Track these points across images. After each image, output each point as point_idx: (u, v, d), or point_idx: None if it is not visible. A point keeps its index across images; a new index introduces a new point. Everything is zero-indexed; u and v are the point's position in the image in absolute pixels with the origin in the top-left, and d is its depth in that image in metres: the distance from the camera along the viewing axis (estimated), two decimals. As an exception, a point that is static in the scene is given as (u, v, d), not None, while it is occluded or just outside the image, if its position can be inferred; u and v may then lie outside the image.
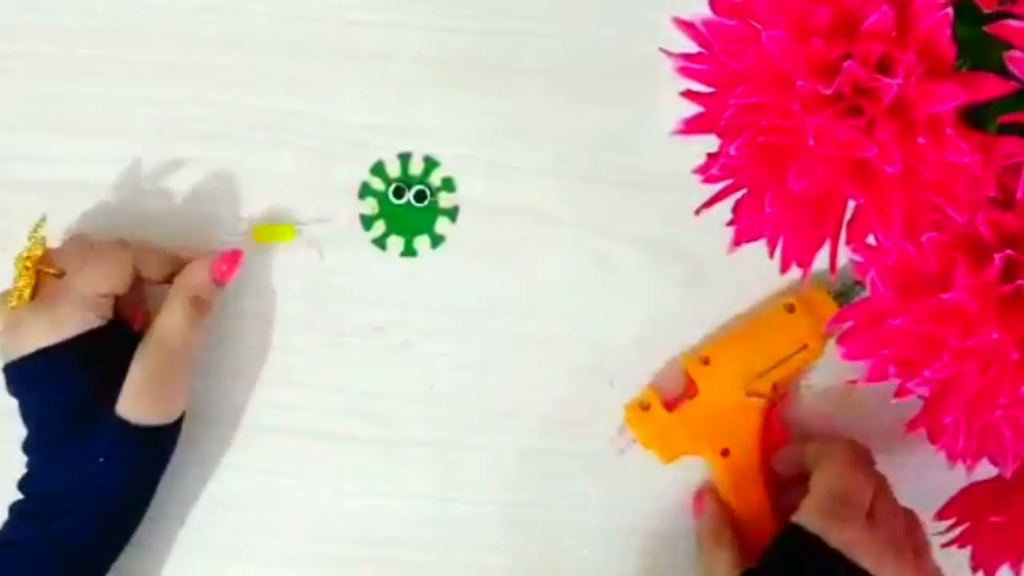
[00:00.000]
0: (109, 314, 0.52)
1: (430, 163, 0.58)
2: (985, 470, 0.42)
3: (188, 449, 0.55)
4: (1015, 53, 0.34)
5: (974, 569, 0.46)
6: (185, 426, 0.54)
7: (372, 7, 0.58)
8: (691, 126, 0.41)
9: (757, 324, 0.55)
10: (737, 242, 0.43)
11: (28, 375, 0.51)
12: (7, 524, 0.51)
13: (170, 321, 0.52)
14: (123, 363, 0.51)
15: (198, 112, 0.58)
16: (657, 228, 0.57)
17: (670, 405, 0.54)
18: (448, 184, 0.58)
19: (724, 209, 0.43)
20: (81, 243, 0.53)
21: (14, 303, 0.50)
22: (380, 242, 0.58)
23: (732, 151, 0.39)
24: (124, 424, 0.51)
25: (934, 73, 0.35)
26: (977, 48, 0.36)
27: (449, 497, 0.56)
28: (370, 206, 0.58)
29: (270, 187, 0.58)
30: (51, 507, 0.51)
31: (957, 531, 0.46)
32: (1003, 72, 0.34)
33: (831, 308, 0.54)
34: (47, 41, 0.59)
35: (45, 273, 0.51)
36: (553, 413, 0.57)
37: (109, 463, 0.51)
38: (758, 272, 0.53)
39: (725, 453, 0.53)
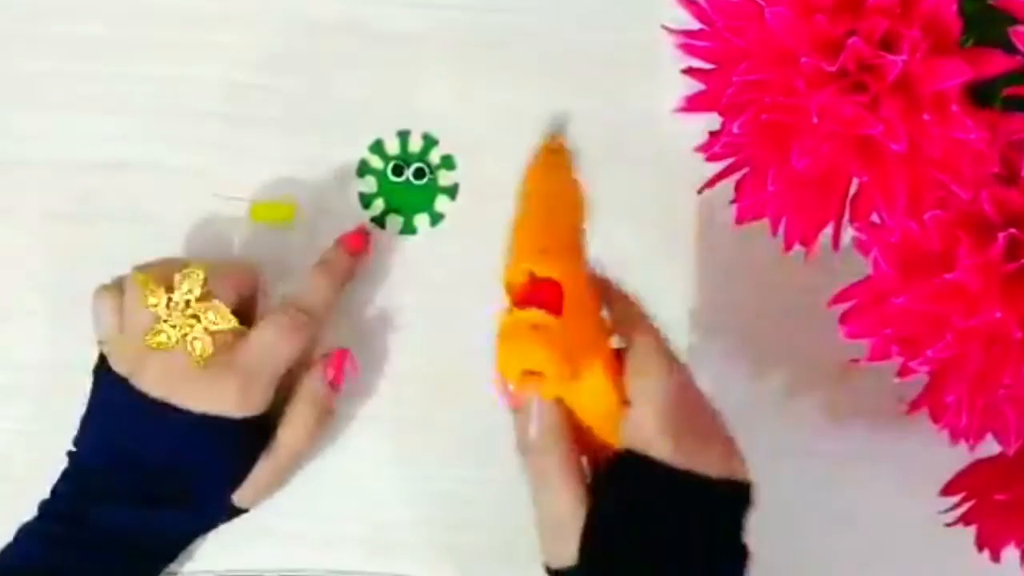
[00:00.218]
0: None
1: (429, 141, 0.57)
2: (989, 448, 0.42)
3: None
4: (1021, 28, 0.33)
5: (980, 548, 0.46)
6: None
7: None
8: (693, 104, 0.41)
9: (539, 194, 0.49)
10: (740, 220, 0.43)
11: (182, 426, 0.49)
12: (45, 545, 0.49)
13: (297, 434, 0.52)
14: (259, 452, 0.51)
15: (194, 90, 0.58)
16: (657, 207, 0.57)
17: (553, 308, 0.42)
18: (447, 162, 0.57)
19: (728, 187, 0.43)
20: (234, 293, 0.51)
21: (196, 362, 0.49)
22: (379, 220, 0.57)
23: (735, 129, 0.38)
24: (231, 508, 0.52)
25: (939, 49, 0.34)
26: (983, 23, 0.36)
27: (449, 476, 0.56)
28: (369, 184, 0.57)
29: (268, 166, 0.58)
30: (123, 547, 0.50)
31: (962, 509, 0.46)
32: (1009, 48, 0.34)
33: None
34: (41, 19, 0.59)
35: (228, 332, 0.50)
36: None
37: (193, 533, 0.53)
38: (762, 250, 0.53)
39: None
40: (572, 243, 0.45)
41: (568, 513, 0.43)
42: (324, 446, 0.56)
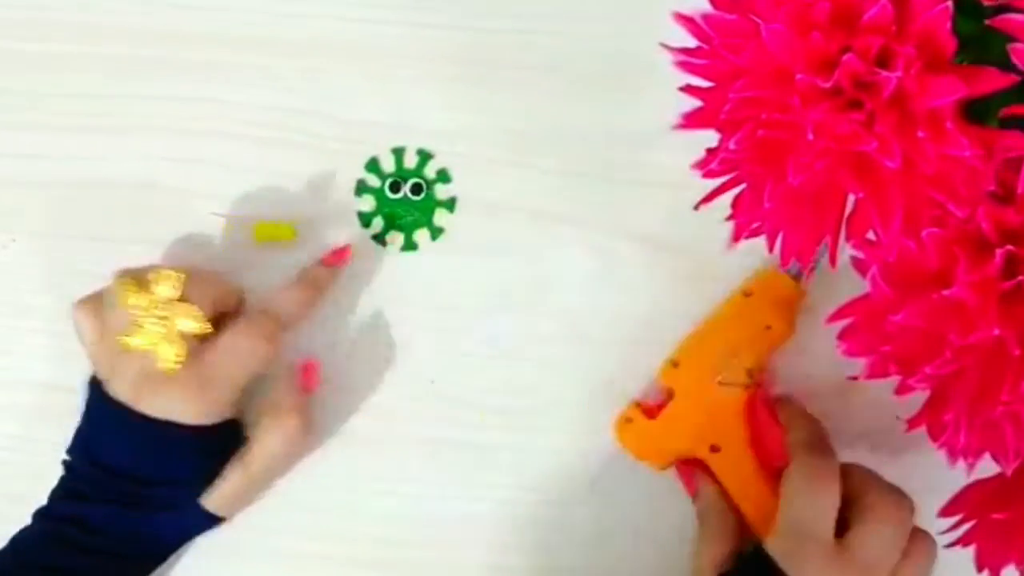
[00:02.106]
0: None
1: (424, 156, 0.58)
2: (987, 468, 0.42)
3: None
4: (1019, 45, 0.33)
5: (979, 568, 0.45)
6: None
7: (369, 4, 0.58)
8: (691, 120, 0.41)
9: (718, 316, 0.54)
10: (737, 237, 0.42)
11: (149, 432, 0.50)
12: (42, 547, 0.50)
13: (268, 446, 0.52)
14: (227, 457, 0.52)
15: (192, 110, 0.58)
16: (657, 224, 0.57)
17: (651, 413, 0.54)
18: (443, 176, 0.58)
19: (724, 204, 0.43)
20: (209, 299, 0.52)
21: (166, 367, 0.50)
22: (379, 238, 0.58)
23: (731, 145, 0.38)
24: (206, 514, 0.52)
25: (934, 67, 0.34)
26: (978, 43, 0.36)
27: (447, 495, 0.56)
28: (367, 203, 0.58)
29: (266, 185, 0.58)
30: (107, 547, 0.50)
31: (961, 530, 0.46)
32: (1004, 66, 0.34)
33: (789, 286, 0.53)
34: (41, 38, 0.59)
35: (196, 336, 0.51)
36: (553, 409, 0.56)
37: (176, 537, 0.53)
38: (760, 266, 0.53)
39: (715, 449, 0.53)
40: (711, 366, 0.52)
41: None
42: (311, 461, 0.56)
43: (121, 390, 0.50)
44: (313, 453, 0.56)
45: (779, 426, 0.53)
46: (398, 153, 0.58)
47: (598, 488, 0.56)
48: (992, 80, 0.34)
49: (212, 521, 0.53)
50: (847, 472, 0.49)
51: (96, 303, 0.52)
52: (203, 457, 0.52)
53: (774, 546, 0.48)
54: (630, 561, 0.56)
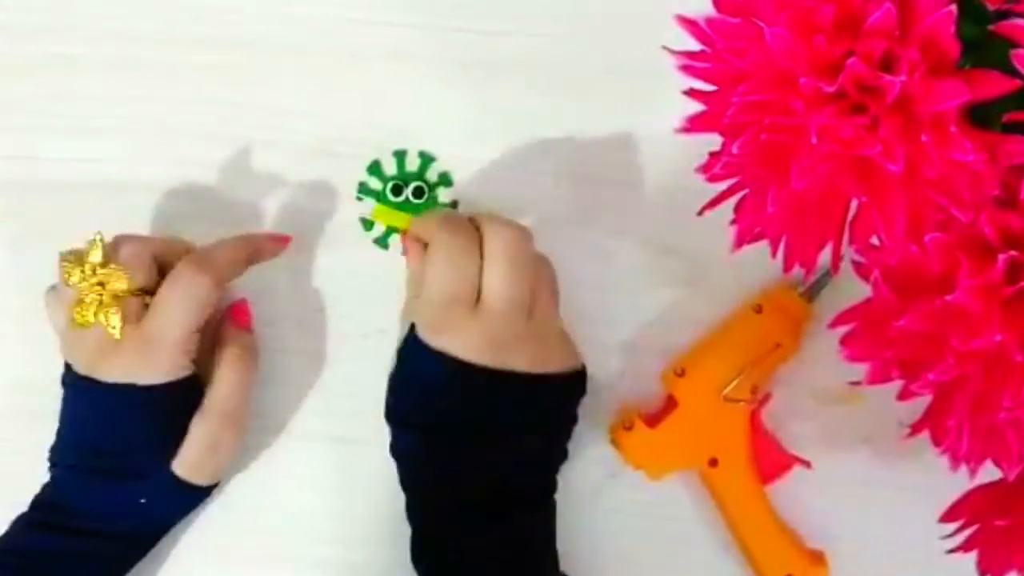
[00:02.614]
0: (194, 356, 0.52)
1: (425, 159, 0.58)
2: (989, 474, 0.41)
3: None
4: (1021, 51, 0.33)
5: (981, 575, 0.45)
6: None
7: (371, 7, 0.58)
8: (694, 124, 0.41)
9: (727, 329, 0.55)
10: (739, 242, 0.42)
11: (103, 401, 0.50)
12: (21, 532, 0.51)
13: (225, 387, 0.52)
14: (187, 418, 0.52)
15: (195, 112, 0.59)
16: (659, 228, 0.57)
17: (652, 421, 0.54)
18: (445, 179, 0.57)
19: (727, 209, 0.43)
20: (146, 254, 0.52)
21: (111, 333, 0.49)
22: (381, 242, 0.57)
23: (735, 149, 0.38)
24: (175, 480, 0.51)
25: (938, 71, 0.34)
26: (982, 47, 0.36)
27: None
28: (369, 206, 0.58)
29: (268, 188, 0.58)
30: (83, 525, 0.50)
31: (963, 536, 0.46)
32: (1008, 71, 0.34)
33: (799, 304, 0.54)
34: (42, 40, 0.59)
35: (127, 296, 0.50)
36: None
37: (149, 507, 0.52)
38: (761, 273, 0.53)
39: (713, 463, 0.53)
40: (717, 379, 0.53)
41: None
42: (301, 469, 0.57)
43: (81, 363, 0.50)
44: (316, 458, 0.57)
45: (778, 444, 0.53)
46: (400, 156, 0.58)
47: (596, 492, 0.56)
48: (996, 84, 0.34)
49: (188, 490, 0.52)
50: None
51: (56, 290, 0.52)
52: (159, 416, 0.51)
53: (422, 321, 0.50)
54: (631, 564, 0.55)
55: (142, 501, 0.51)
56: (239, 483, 0.57)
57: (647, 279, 0.57)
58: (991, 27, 0.34)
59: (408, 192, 0.57)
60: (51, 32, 0.59)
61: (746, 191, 0.42)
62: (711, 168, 0.41)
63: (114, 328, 0.49)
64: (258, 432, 0.57)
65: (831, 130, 0.36)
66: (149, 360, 0.50)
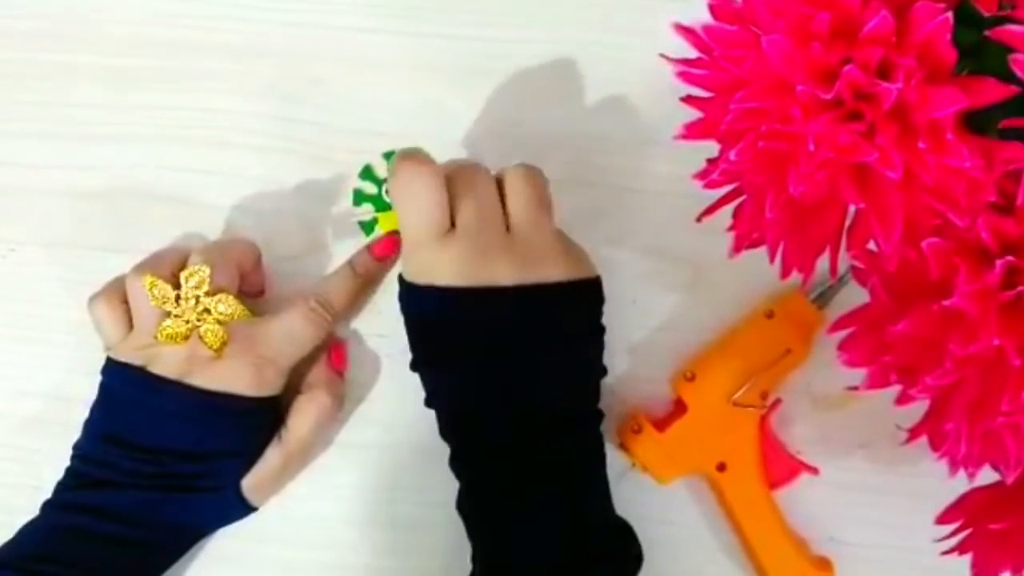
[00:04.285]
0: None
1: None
2: (984, 477, 0.42)
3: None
4: (1018, 56, 0.34)
5: (974, 576, 0.46)
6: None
7: (362, 14, 0.59)
8: (692, 131, 0.41)
9: (738, 334, 0.55)
10: (737, 248, 0.42)
11: (199, 406, 0.50)
12: (51, 539, 0.50)
13: (305, 422, 0.53)
14: (268, 435, 0.53)
15: (195, 120, 0.59)
16: (658, 233, 0.57)
17: (661, 425, 0.54)
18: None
19: (725, 215, 0.43)
20: (232, 267, 0.53)
21: (211, 350, 0.51)
22: (381, 245, 0.57)
23: (732, 156, 0.38)
24: (239, 495, 0.52)
25: (934, 77, 0.34)
26: (978, 53, 0.36)
27: (449, 502, 0.56)
28: (365, 210, 0.58)
29: (266, 193, 0.58)
30: (130, 535, 0.50)
31: (957, 538, 0.46)
32: (1004, 77, 0.34)
33: (810, 311, 0.54)
34: (47, 48, 0.60)
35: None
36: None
37: (204, 522, 0.53)
38: (759, 278, 0.53)
39: (722, 468, 0.53)
40: (728, 384, 0.53)
41: None
42: (302, 473, 0.56)
43: (169, 367, 0.50)
44: (315, 462, 0.57)
45: (786, 450, 0.54)
46: (389, 157, 0.58)
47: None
48: (992, 91, 0.34)
49: (242, 508, 0.53)
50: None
51: (113, 301, 0.52)
52: (251, 430, 0.52)
53: (406, 268, 0.50)
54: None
55: (207, 518, 0.53)
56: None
57: (646, 285, 0.57)
58: (987, 33, 0.34)
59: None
60: (52, 39, 0.60)
61: (744, 197, 0.42)
62: (709, 175, 0.41)
63: (217, 347, 0.51)
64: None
65: (828, 137, 0.36)
66: (258, 375, 0.51)
